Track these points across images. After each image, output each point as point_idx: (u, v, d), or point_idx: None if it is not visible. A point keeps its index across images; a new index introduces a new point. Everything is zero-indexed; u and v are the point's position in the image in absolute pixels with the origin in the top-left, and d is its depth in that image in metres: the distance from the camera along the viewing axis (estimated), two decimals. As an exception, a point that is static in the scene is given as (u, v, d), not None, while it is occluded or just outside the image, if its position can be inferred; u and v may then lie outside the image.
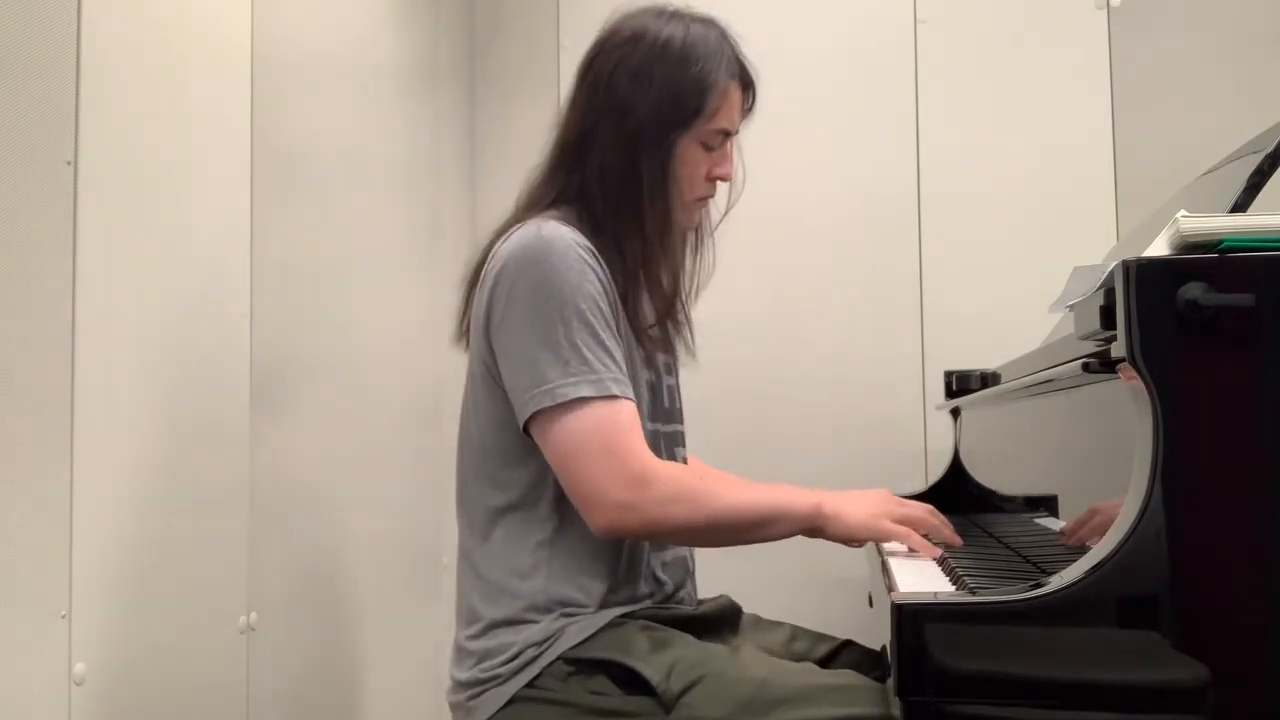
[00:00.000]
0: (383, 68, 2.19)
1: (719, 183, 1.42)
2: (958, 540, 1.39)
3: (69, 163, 1.29)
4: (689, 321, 1.48)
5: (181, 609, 1.48)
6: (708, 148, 1.38)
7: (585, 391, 1.23)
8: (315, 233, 1.88)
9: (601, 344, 1.25)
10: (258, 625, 1.65)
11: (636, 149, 1.33)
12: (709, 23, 1.39)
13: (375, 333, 2.11)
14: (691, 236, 1.47)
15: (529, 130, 2.62)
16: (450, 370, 2.45)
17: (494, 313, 1.28)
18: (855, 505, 1.33)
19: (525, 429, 1.27)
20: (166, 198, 1.48)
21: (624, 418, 1.25)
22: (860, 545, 1.40)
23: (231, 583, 1.61)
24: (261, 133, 1.69)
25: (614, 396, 1.24)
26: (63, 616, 1.26)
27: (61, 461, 1.27)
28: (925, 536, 1.36)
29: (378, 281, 2.13)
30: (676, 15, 1.38)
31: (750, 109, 1.43)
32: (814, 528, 1.31)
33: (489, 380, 1.32)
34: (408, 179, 2.29)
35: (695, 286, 1.48)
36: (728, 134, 1.40)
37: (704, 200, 1.43)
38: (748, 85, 1.41)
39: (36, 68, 1.25)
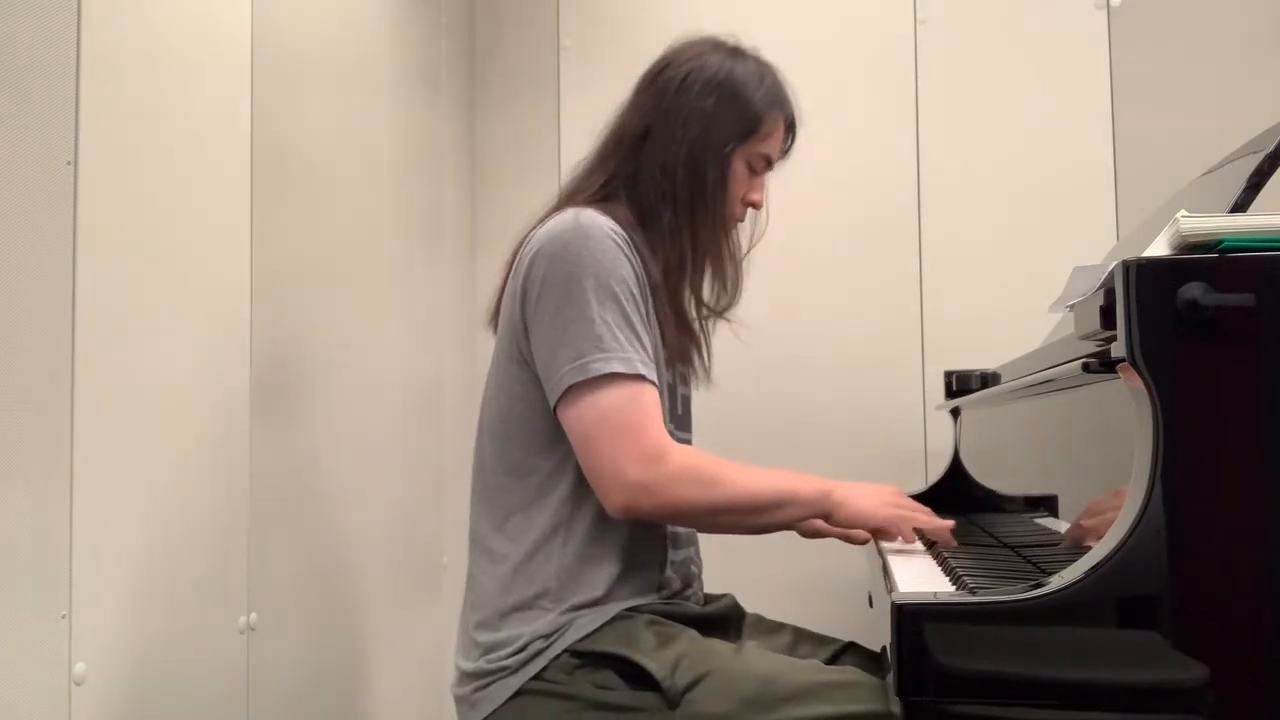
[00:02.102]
0: (383, 67, 2.19)
1: (749, 210, 1.48)
2: (953, 542, 1.40)
3: (69, 163, 1.29)
4: (708, 345, 1.51)
5: (181, 609, 1.48)
6: (751, 170, 1.44)
7: (615, 368, 1.25)
8: (315, 233, 1.88)
9: (632, 327, 1.28)
10: (258, 625, 1.65)
11: (703, 150, 1.39)
12: (767, 65, 1.47)
13: (375, 332, 2.11)
14: (726, 278, 1.49)
15: (529, 129, 2.66)
16: (451, 370, 2.46)
17: (529, 293, 1.30)
18: (863, 496, 1.36)
19: (554, 409, 1.28)
20: (166, 198, 1.48)
21: (647, 399, 1.27)
22: (863, 541, 1.42)
23: (231, 583, 1.60)
24: (261, 133, 1.69)
25: (641, 377, 1.26)
26: (63, 616, 1.26)
27: (61, 461, 1.27)
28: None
29: (378, 281, 2.13)
30: (739, 50, 1.46)
31: (788, 150, 1.50)
32: (822, 513, 1.34)
33: (519, 361, 1.33)
34: (408, 179, 2.29)
35: (720, 311, 1.51)
36: (769, 162, 1.46)
37: (737, 221, 1.48)
38: (790, 127, 1.48)
39: (36, 68, 1.24)
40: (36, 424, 1.23)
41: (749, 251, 1.52)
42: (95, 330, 1.32)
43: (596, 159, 1.45)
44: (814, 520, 1.36)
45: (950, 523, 1.40)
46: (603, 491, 1.26)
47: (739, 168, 1.42)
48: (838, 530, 1.39)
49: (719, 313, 1.49)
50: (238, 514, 1.62)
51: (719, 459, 1.32)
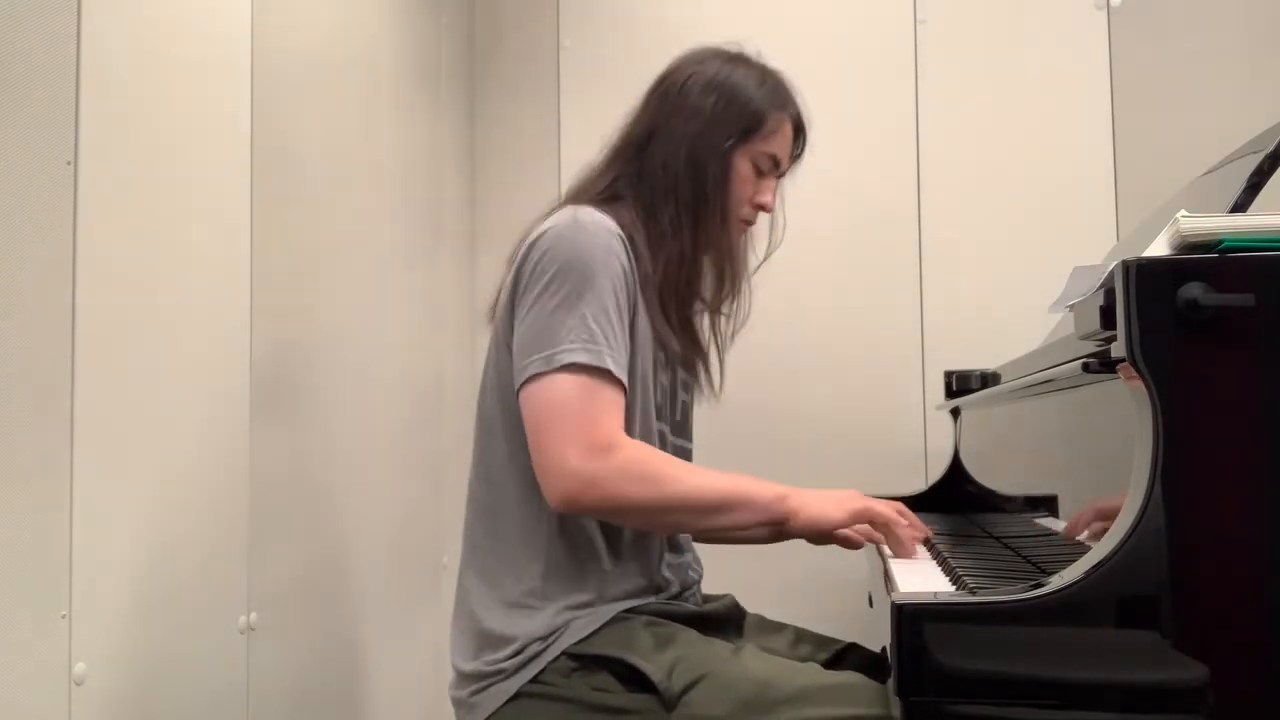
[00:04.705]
0: (383, 68, 2.19)
1: (760, 213, 1.48)
2: (916, 555, 1.37)
3: (69, 163, 1.29)
4: (721, 358, 1.51)
5: (181, 609, 1.48)
6: (758, 170, 1.44)
7: (578, 357, 1.23)
8: (315, 233, 1.87)
9: (610, 324, 1.26)
10: (258, 625, 1.65)
11: (703, 146, 1.39)
12: (771, 70, 1.48)
13: (375, 332, 2.11)
14: (728, 280, 1.48)
15: (529, 130, 2.66)
16: (451, 370, 2.46)
17: (519, 284, 1.31)
18: (821, 500, 1.32)
19: (517, 395, 1.27)
20: (166, 198, 1.48)
21: (607, 394, 1.25)
22: (826, 543, 1.39)
23: (231, 583, 1.60)
24: (261, 133, 1.69)
25: (605, 370, 1.24)
26: (63, 616, 1.26)
27: (61, 461, 1.27)
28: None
29: (377, 281, 2.13)
30: (742, 57, 1.47)
31: (799, 155, 1.50)
32: (778, 518, 1.31)
33: (509, 355, 1.33)
34: (408, 179, 2.29)
35: (731, 331, 1.51)
36: (776, 163, 1.46)
37: (745, 223, 1.48)
38: (799, 131, 1.48)
39: (36, 68, 1.24)
40: (36, 424, 1.23)
41: (766, 259, 1.52)
42: (95, 330, 1.32)
43: (603, 162, 1.46)
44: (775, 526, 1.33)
45: (925, 532, 1.39)
46: (543, 480, 1.23)
47: (743, 167, 1.42)
48: (838, 536, 1.36)
49: (714, 310, 1.47)
50: (238, 514, 1.62)
51: (672, 458, 1.32)
